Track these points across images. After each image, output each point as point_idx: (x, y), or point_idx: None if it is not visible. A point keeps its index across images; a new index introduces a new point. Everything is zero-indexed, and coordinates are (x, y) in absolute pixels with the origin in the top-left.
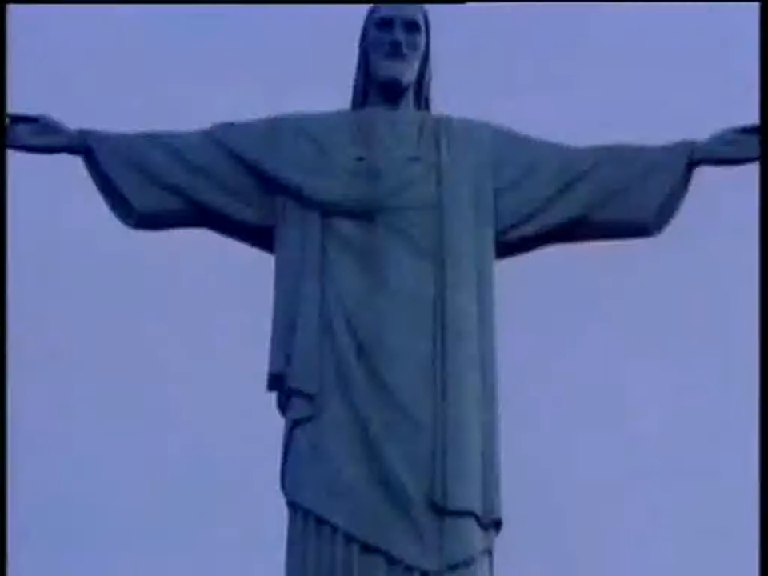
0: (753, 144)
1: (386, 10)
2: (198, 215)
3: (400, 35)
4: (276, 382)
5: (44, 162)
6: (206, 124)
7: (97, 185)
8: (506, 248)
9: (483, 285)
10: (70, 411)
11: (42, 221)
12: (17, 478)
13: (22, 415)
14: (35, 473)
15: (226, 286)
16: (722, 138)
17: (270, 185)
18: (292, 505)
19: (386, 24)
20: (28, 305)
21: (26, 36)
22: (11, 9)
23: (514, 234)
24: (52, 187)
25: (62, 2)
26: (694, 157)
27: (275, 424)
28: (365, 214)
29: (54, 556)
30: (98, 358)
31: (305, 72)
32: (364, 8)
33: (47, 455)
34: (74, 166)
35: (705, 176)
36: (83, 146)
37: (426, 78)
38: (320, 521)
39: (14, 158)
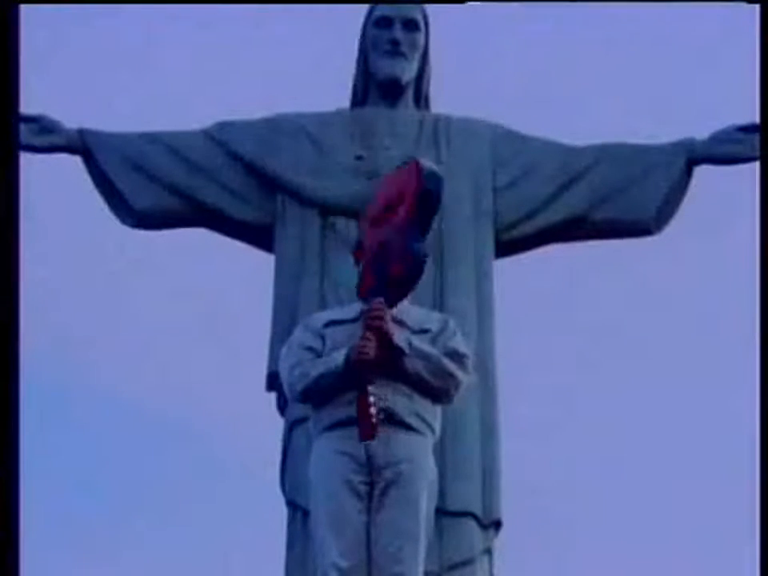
0: (753, 143)
1: (385, 8)
2: (198, 214)
3: (399, 34)
4: (275, 381)
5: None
6: (206, 124)
7: (96, 184)
8: (506, 247)
9: (483, 284)
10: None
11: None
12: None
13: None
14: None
15: (225, 285)
16: (721, 137)
17: (269, 184)
18: (291, 505)
19: (385, 22)
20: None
21: (36, 36)
22: (23, 9)
23: (513, 233)
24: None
25: (73, 2)
26: (693, 155)
27: (275, 424)
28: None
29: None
30: (99, 357)
31: (304, 71)
32: (363, 7)
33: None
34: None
35: (705, 175)
36: (82, 145)
37: (426, 77)
38: None
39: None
